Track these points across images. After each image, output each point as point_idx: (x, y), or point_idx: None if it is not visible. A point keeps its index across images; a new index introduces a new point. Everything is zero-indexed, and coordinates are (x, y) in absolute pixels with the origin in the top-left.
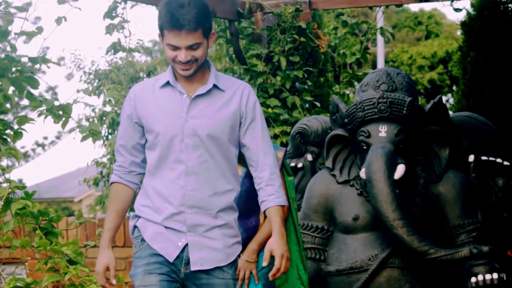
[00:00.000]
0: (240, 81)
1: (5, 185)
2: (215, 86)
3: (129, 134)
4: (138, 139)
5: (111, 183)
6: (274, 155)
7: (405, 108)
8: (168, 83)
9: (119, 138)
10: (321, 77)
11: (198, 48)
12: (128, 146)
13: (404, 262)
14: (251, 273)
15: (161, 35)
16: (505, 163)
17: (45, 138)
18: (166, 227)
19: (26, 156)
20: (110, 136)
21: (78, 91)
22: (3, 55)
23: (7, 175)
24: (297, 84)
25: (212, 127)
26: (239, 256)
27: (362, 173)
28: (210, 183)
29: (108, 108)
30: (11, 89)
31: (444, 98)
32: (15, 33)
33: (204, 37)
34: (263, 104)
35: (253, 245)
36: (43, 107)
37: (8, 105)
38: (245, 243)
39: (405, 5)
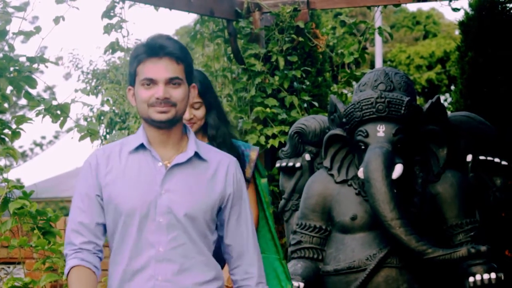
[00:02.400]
0: (223, 153)
1: (3, 184)
2: (196, 154)
3: (91, 210)
4: (102, 217)
5: (70, 268)
6: (259, 253)
7: (403, 108)
8: (141, 146)
9: (78, 214)
10: (319, 76)
11: (178, 87)
12: (91, 225)
13: (402, 261)
14: None
15: (133, 79)
16: (503, 162)
17: (43, 137)
18: None
19: (24, 155)
20: (108, 136)
21: (76, 90)
22: (1, 55)
23: (5, 175)
24: (295, 83)
25: (191, 205)
26: None
27: (360, 173)
28: (187, 272)
29: (106, 108)
30: (9, 89)
31: (442, 98)
32: (13, 33)
33: (186, 79)
34: (261, 104)
35: None
36: (41, 107)
37: (6, 105)
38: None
39: (403, 5)
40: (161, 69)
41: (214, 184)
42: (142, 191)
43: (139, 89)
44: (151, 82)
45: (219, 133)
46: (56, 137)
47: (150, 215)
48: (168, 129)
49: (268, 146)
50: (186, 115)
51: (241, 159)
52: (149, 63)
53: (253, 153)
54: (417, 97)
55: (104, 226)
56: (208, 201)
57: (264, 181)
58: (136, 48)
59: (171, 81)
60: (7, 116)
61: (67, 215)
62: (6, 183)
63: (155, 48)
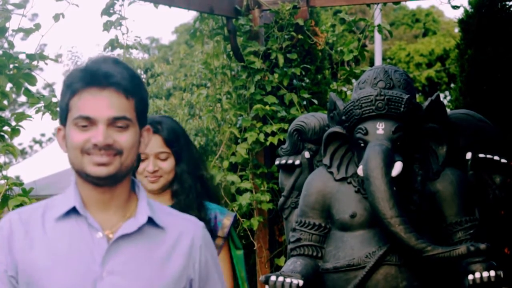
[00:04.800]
0: (187, 218)
1: (2, 182)
2: (150, 220)
3: None
4: None
5: None
6: None
7: (402, 106)
8: (73, 211)
9: None
10: (318, 74)
11: (125, 131)
12: None
13: (402, 259)
14: None
15: (64, 115)
16: (503, 160)
17: (43, 135)
18: None
19: (23, 153)
20: None
21: None
22: (0, 52)
23: (4, 172)
24: (294, 81)
25: None
26: None
27: (360, 171)
28: None
29: None
30: (8, 86)
31: (441, 96)
32: (13, 30)
33: (138, 119)
34: (260, 101)
35: None
36: (41, 104)
37: (5, 102)
38: None
39: (403, 3)
40: (102, 104)
41: (172, 260)
42: (75, 274)
43: (71, 130)
44: (88, 121)
45: (184, 187)
46: (55, 134)
47: None
48: (110, 187)
49: (268, 143)
50: (150, 167)
51: (213, 223)
52: (86, 95)
53: (226, 219)
54: (417, 95)
55: None
56: (168, 284)
57: (239, 253)
58: (71, 74)
59: (116, 122)
60: (7, 113)
61: None
62: (5, 180)
63: (96, 76)
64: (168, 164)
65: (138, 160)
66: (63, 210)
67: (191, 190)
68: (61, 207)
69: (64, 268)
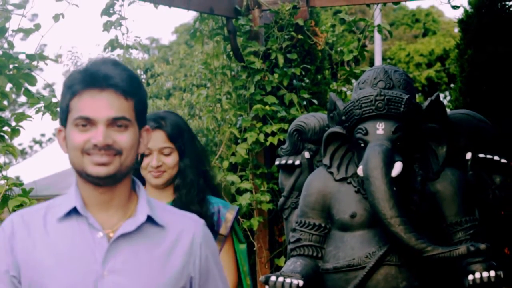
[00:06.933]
0: (187, 215)
1: (2, 182)
2: (150, 219)
3: None
4: None
5: None
6: None
7: (402, 106)
8: (74, 211)
9: None
10: (318, 74)
11: (125, 131)
12: None
13: (402, 259)
14: None
15: (65, 116)
16: (503, 160)
17: (43, 135)
18: None
19: (23, 153)
20: None
21: None
22: (0, 52)
23: (4, 172)
24: (294, 81)
25: None
26: None
27: (360, 171)
28: None
29: None
30: (8, 86)
31: (441, 96)
32: (13, 30)
33: (137, 119)
34: (260, 102)
35: None
36: (41, 104)
37: (5, 102)
38: None
39: (403, 3)
40: (102, 105)
41: (176, 257)
42: (77, 273)
43: (71, 131)
44: (87, 122)
45: (186, 182)
46: (55, 134)
47: None
48: (110, 187)
49: (267, 143)
50: (154, 162)
51: (216, 218)
52: (86, 97)
53: (229, 214)
54: (417, 95)
55: None
56: (168, 282)
57: (242, 247)
58: (71, 75)
59: (115, 122)
60: (7, 114)
61: None
62: (5, 181)
63: (96, 77)
64: (172, 159)
65: (137, 160)
66: (65, 210)
67: (193, 185)
68: (62, 208)
69: (66, 268)
